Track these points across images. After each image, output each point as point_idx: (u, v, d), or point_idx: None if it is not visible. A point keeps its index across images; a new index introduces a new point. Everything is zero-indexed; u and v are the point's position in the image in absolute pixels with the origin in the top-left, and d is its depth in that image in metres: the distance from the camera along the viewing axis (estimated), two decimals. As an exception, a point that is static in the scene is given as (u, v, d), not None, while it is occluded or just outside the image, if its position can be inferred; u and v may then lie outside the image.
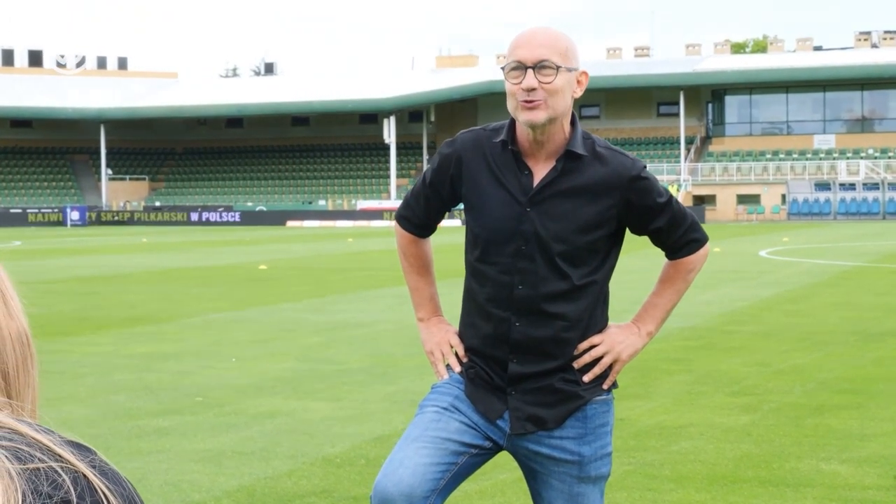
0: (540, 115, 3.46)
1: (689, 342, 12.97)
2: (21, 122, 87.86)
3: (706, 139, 79.94)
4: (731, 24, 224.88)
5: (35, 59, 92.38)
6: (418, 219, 3.83)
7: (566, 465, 3.60)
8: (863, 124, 76.71)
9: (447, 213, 4.02)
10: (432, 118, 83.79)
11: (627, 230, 3.73)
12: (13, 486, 1.06)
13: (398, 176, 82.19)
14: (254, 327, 15.03)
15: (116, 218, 78.30)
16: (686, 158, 76.67)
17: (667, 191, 3.69)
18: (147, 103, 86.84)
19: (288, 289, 21.23)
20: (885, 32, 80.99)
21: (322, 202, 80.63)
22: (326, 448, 7.90)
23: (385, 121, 79.52)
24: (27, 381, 1.26)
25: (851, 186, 70.03)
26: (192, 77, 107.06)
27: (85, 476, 1.11)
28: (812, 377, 10.71)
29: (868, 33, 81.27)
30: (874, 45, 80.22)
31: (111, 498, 1.11)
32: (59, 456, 1.12)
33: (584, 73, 3.57)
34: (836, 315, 15.85)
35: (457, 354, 3.73)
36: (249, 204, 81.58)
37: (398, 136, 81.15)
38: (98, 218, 77.79)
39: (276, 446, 7.95)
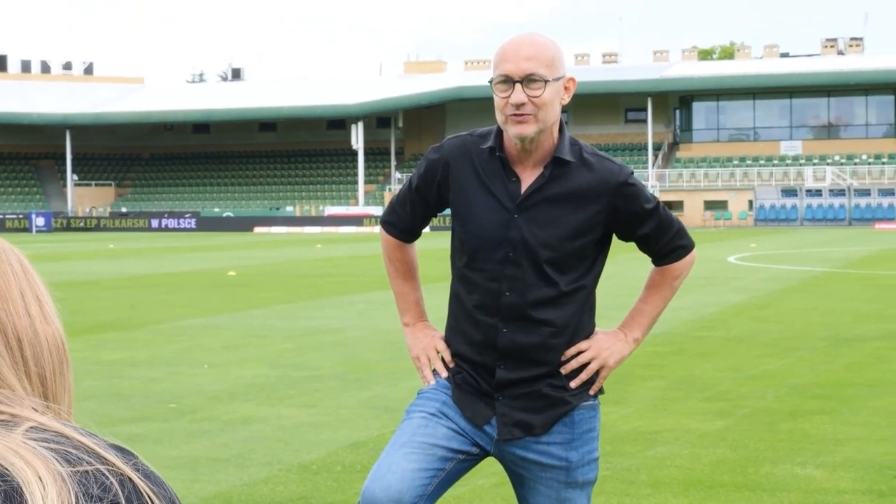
0: (530, 129, 3.46)
1: (660, 348, 13.00)
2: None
3: (674, 145, 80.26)
4: (699, 31, 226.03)
5: None
6: (403, 224, 3.82)
7: (554, 470, 3.60)
8: (829, 131, 77.20)
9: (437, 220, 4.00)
10: (400, 124, 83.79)
11: (614, 236, 3.73)
12: (66, 489, 1.08)
13: (366, 182, 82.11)
14: (224, 334, 14.97)
15: (82, 224, 77.91)
16: (654, 164, 76.94)
17: (654, 197, 3.69)
18: (113, 109, 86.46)
19: (257, 295, 21.16)
20: (851, 39, 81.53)
21: (289, 208, 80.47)
22: (302, 455, 7.87)
23: (353, 126, 79.46)
24: (63, 384, 1.28)
25: (818, 193, 70.43)
26: (159, 82, 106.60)
27: (130, 479, 1.13)
28: (784, 382, 10.75)
29: (834, 40, 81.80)
30: (840, 52, 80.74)
31: (156, 501, 1.13)
32: (105, 459, 1.14)
33: (572, 78, 3.57)
34: (805, 320, 15.93)
35: (444, 360, 3.72)
36: (216, 210, 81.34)
37: (366, 141, 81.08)
38: (64, 224, 77.37)
39: (252, 453, 7.91)
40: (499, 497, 6.72)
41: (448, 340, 3.73)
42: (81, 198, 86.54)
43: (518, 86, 3.43)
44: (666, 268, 3.76)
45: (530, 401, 3.60)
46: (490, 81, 3.51)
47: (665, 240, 3.71)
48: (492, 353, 3.59)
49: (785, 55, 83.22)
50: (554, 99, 3.48)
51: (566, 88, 3.55)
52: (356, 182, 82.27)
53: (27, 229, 74.23)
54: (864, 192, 69.64)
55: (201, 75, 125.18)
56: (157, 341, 14.22)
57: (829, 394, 10.11)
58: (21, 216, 76.38)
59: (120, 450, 1.17)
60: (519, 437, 3.60)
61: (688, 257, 3.78)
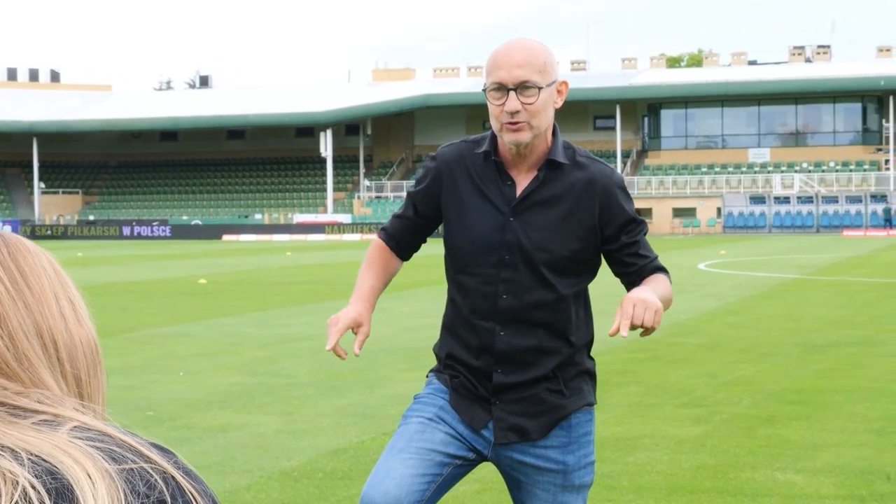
0: (524, 136, 3.46)
1: (635, 354, 13.02)
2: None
3: (642, 153, 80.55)
4: (667, 39, 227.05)
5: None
6: (397, 232, 3.81)
7: (551, 474, 3.60)
8: (797, 138, 77.66)
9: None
10: (369, 131, 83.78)
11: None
12: (114, 486, 1.10)
13: (335, 189, 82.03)
14: (198, 341, 14.90)
15: (50, 232, 77.51)
16: (622, 172, 77.16)
17: (642, 219, 3.68)
18: (80, 116, 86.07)
19: (229, 303, 21.08)
20: (819, 47, 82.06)
21: (258, 216, 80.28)
22: (282, 462, 7.84)
23: (322, 134, 79.39)
24: (97, 386, 1.30)
25: (786, 200, 70.80)
26: (126, 90, 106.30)
27: (173, 477, 1.14)
28: (760, 388, 10.78)
29: (802, 48, 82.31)
30: (808, 60, 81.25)
31: (199, 498, 1.15)
32: (148, 457, 1.15)
33: (564, 82, 3.57)
34: (778, 327, 16.00)
35: (444, 368, 3.68)
36: (185, 218, 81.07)
37: (335, 149, 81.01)
38: (31, 232, 76.94)
39: (232, 460, 7.88)
40: (481, 503, 6.72)
41: (444, 345, 3.72)
42: (48, 206, 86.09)
43: (512, 93, 3.43)
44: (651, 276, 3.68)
45: (527, 405, 3.59)
46: (484, 89, 3.51)
47: (647, 259, 3.60)
48: (489, 357, 3.58)
49: (753, 63, 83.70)
50: (547, 104, 3.48)
51: (559, 92, 3.55)
52: (325, 190, 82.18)
53: (-6, 237, 73.61)
54: (832, 200, 70.07)
55: (169, 83, 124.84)
56: (130, 349, 14.14)
57: (805, 399, 10.15)
58: (-13, 224, 75.99)
59: (160, 448, 1.18)
60: (515, 442, 3.60)
61: (669, 278, 3.68)
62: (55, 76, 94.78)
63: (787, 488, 7.09)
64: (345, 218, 75.74)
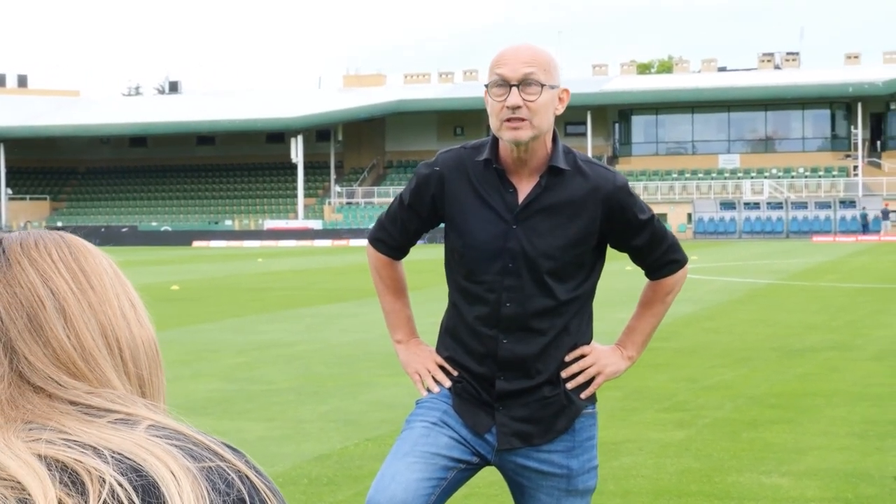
0: (524, 134, 3.45)
1: (614, 359, 13.02)
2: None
3: (613, 158, 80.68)
4: (638, 45, 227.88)
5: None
6: (394, 241, 3.79)
7: (554, 478, 3.59)
8: (766, 144, 78.00)
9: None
10: (340, 137, 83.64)
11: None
12: (198, 484, 1.11)
13: (306, 195, 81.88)
14: (175, 348, 14.82)
15: (18, 238, 76.94)
16: (593, 178, 77.16)
17: (649, 209, 3.69)
18: (48, 122, 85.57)
19: (204, 309, 21.01)
20: (788, 54, 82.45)
21: (228, 222, 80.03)
22: (266, 468, 7.77)
23: (292, 140, 79.22)
24: (159, 386, 1.32)
25: (756, 206, 71.09)
26: (95, 96, 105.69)
27: (247, 476, 1.15)
28: (741, 393, 10.82)
29: (771, 55, 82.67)
30: (777, 67, 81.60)
31: (272, 496, 1.16)
32: (223, 456, 1.16)
33: (566, 90, 3.57)
34: (755, 332, 16.06)
35: (445, 370, 3.68)
36: (154, 224, 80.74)
37: (306, 155, 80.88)
38: (-1, 238, 76.37)
39: (216, 467, 7.82)
40: (470, 509, 6.70)
41: (446, 349, 3.71)
42: (16, 212, 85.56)
43: (514, 89, 3.43)
44: (658, 283, 3.78)
45: (530, 411, 3.59)
46: (486, 86, 3.50)
47: (658, 253, 3.71)
48: (492, 364, 3.58)
49: (722, 69, 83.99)
50: (549, 106, 3.47)
51: (560, 99, 3.55)
52: (295, 196, 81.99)
53: (-38, 244, 73.14)
54: (801, 205, 70.42)
55: (138, 88, 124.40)
56: (106, 356, 14.04)
57: (786, 404, 10.19)
58: (-45, 231, 75.40)
59: (231, 448, 1.19)
60: (518, 447, 3.59)
61: (680, 272, 3.80)
62: (23, 81, 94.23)
63: (774, 491, 7.11)
64: (316, 224, 75.60)
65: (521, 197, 3.56)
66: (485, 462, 3.62)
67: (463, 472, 3.58)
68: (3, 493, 1.08)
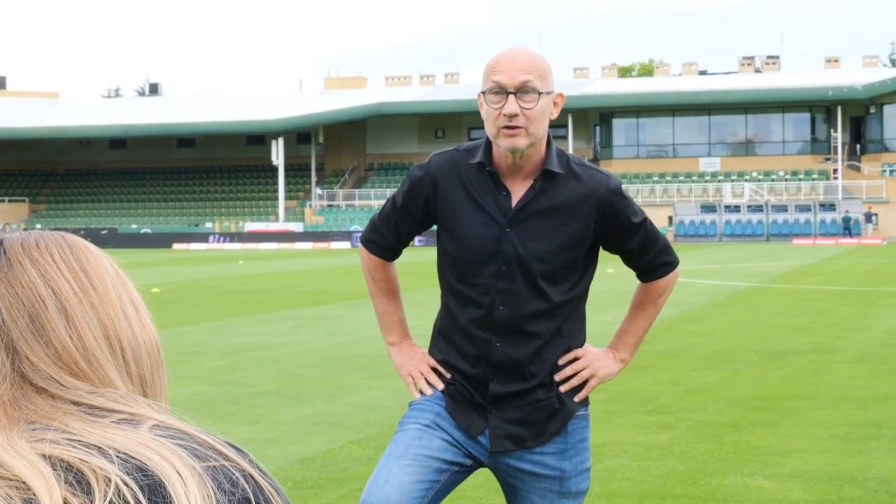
0: (521, 142, 3.44)
1: (597, 361, 13.02)
2: None
3: (594, 161, 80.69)
4: (619, 49, 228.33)
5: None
6: (387, 242, 3.78)
7: (547, 480, 3.59)
8: (746, 147, 78.20)
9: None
10: (321, 140, 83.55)
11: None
12: (203, 483, 1.11)
13: (286, 198, 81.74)
14: (156, 350, 14.75)
15: (-3, 241, 76.66)
16: (573, 181, 77.24)
17: (641, 211, 3.70)
18: (27, 124, 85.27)
19: (185, 311, 20.95)
20: (768, 57, 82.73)
21: (209, 224, 79.86)
22: (251, 471, 7.76)
23: (273, 142, 79.10)
24: (161, 386, 1.32)
25: (736, 209, 71.28)
26: (74, 97, 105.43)
27: (251, 475, 1.16)
28: (723, 395, 10.83)
29: (751, 58, 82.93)
30: (757, 70, 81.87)
31: (276, 495, 1.17)
32: (227, 455, 1.16)
33: (560, 94, 3.56)
34: (737, 334, 16.09)
35: (438, 373, 3.67)
36: (134, 226, 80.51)
37: (286, 157, 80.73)
38: (-22, 241, 76.08)
39: (199, 470, 7.79)
40: (455, 512, 6.69)
41: (438, 351, 3.70)
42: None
43: (511, 97, 3.41)
44: (650, 285, 3.79)
45: (523, 413, 3.59)
46: (482, 93, 3.48)
47: (650, 255, 3.72)
48: (485, 366, 3.58)
49: (703, 73, 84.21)
50: (545, 112, 3.47)
51: (555, 104, 3.54)
52: (276, 198, 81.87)
53: (-60, 246, 72.81)
54: (782, 208, 70.63)
55: (117, 90, 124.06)
56: (88, 358, 13.99)
57: (769, 406, 10.21)
58: (-66, 233, 75.04)
59: (235, 447, 1.19)
60: (511, 450, 3.58)
61: (671, 274, 3.81)
62: (1, 83, 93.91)
63: (758, 494, 7.12)
64: (296, 227, 75.50)
65: (515, 200, 3.55)
66: (478, 464, 3.61)
67: (456, 474, 3.57)
68: (7, 494, 1.08)
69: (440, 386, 3.65)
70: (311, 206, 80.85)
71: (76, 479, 1.09)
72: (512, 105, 3.40)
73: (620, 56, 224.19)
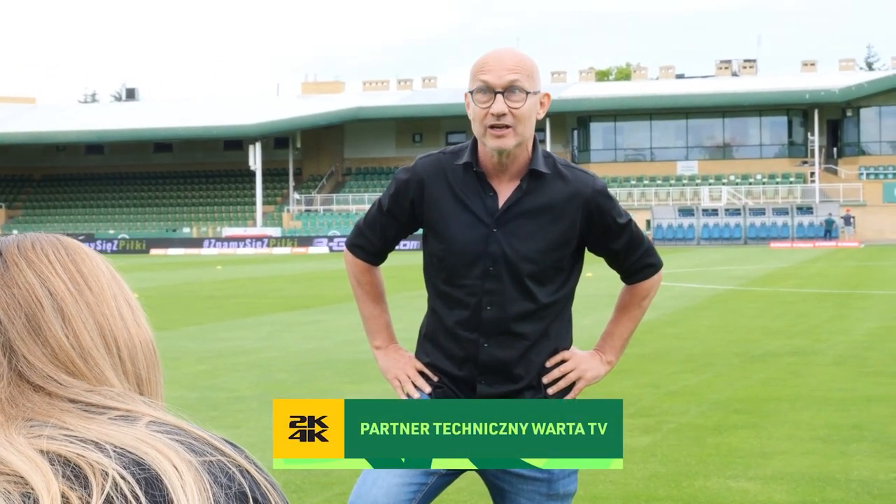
0: (509, 142, 3.44)
1: (578, 365, 13.02)
2: None
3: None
4: (596, 52, 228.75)
5: None
6: (373, 247, 3.77)
7: (535, 482, 3.58)
8: (724, 151, 78.42)
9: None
10: (298, 144, 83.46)
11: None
12: (200, 477, 1.12)
13: (264, 203, 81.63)
14: (135, 355, 14.70)
15: (-27, 247, 76.31)
16: (551, 185, 77.30)
17: (627, 213, 3.70)
18: (3, 129, 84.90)
19: (163, 317, 20.86)
20: (745, 61, 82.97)
21: (186, 229, 79.68)
22: (232, 476, 7.74)
23: (250, 147, 78.93)
24: (156, 385, 1.35)
25: (714, 212, 71.47)
26: (51, 102, 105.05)
27: (248, 471, 1.17)
28: (705, 398, 10.84)
29: (728, 62, 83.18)
30: (734, 74, 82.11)
31: (272, 490, 1.18)
32: (223, 451, 1.18)
33: (547, 94, 3.56)
34: (716, 337, 16.12)
35: (425, 376, 3.66)
36: (111, 231, 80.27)
37: (264, 162, 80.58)
38: (-46, 246, 75.70)
39: (181, 475, 7.76)
40: (438, 515, 6.67)
41: (425, 354, 3.69)
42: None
43: (499, 96, 3.40)
44: (635, 287, 3.80)
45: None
46: (469, 93, 3.47)
47: (634, 257, 3.73)
48: (472, 368, 3.57)
49: (680, 76, 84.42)
50: (532, 112, 3.47)
51: (542, 104, 3.54)
52: (254, 203, 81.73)
53: (-84, 252, 72.45)
54: (759, 212, 70.85)
55: (94, 95, 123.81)
56: (66, 364, 13.93)
57: (750, 408, 10.23)
58: None
59: (230, 443, 1.21)
60: None
61: (656, 276, 3.82)
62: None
63: (741, 496, 7.13)
64: (274, 231, 75.38)
65: (502, 201, 3.55)
66: (466, 467, 3.59)
67: (444, 477, 3.56)
68: (6, 489, 1.08)
69: (427, 389, 3.64)
70: (288, 210, 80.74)
71: (74, 473, 1.10)
72: (500, 104, 3.40)
73: (598, 60, 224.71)
